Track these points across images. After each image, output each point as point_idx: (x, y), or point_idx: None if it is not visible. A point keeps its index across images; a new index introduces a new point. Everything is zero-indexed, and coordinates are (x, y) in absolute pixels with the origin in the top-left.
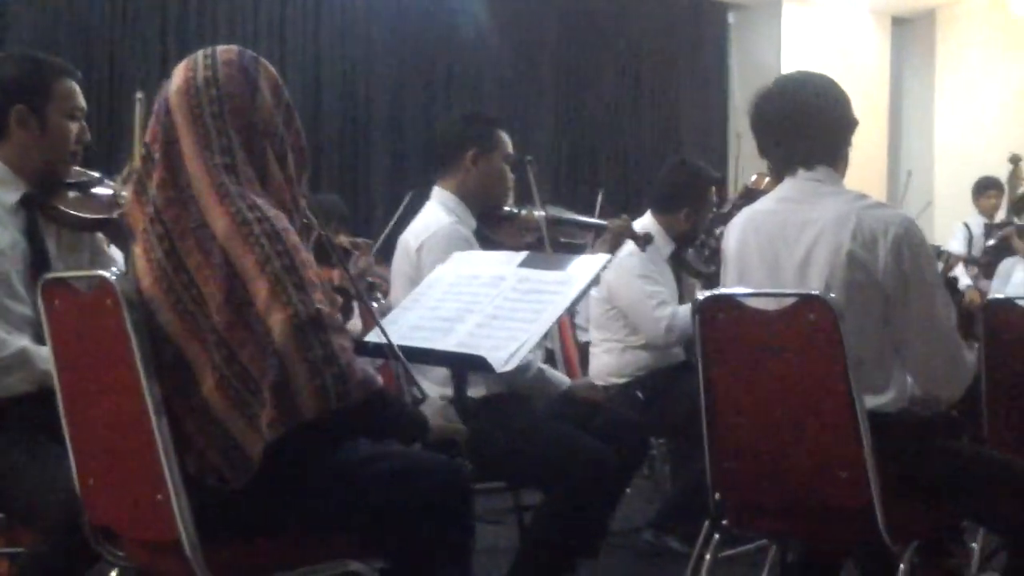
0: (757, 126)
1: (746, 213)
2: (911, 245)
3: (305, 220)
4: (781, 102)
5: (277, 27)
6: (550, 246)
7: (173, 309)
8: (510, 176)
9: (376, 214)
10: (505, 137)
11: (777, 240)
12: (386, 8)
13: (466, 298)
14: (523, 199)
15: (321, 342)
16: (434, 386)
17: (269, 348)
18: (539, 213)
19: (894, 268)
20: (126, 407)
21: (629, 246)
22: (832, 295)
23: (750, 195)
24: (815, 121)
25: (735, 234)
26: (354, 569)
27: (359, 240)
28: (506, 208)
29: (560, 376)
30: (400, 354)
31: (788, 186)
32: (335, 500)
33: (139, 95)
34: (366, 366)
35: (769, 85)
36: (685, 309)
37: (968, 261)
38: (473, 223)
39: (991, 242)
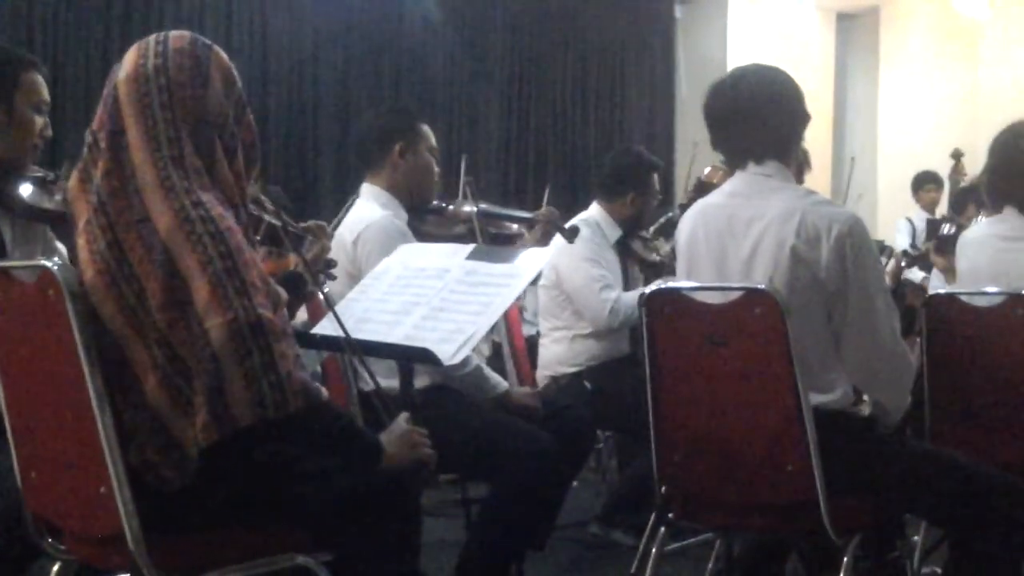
0: (710, 118)
1: (697, 207)
2: (854, 244)
3: (254, 212)
4: (734, 95)
5: (224, 18)
6: (481, 239)
7: (115, 303)
8: (436, 169)
9: (323, 205)
10: (427, 130)
11: (725, 234)
12: (334, 1)
13: (413, 290)
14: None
15: (260, 348)
16: (380, 379)
17: (206, 351)
18: (469, 208)
19: (836, 266)
20: (69, 399)
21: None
22: (775, 284)
23: (703, 188)
24: (766, 115)
25: (686, 227)
26: (301, 563)
27: (311, 223)
28: (435, 202)
29: (498, 378)
30: (351, 340)
31: (737, 180)
32: (280, 494)
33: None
34: (309, 379)
35: (723, 77)
36: (630, 295)
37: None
38: (405, 217)
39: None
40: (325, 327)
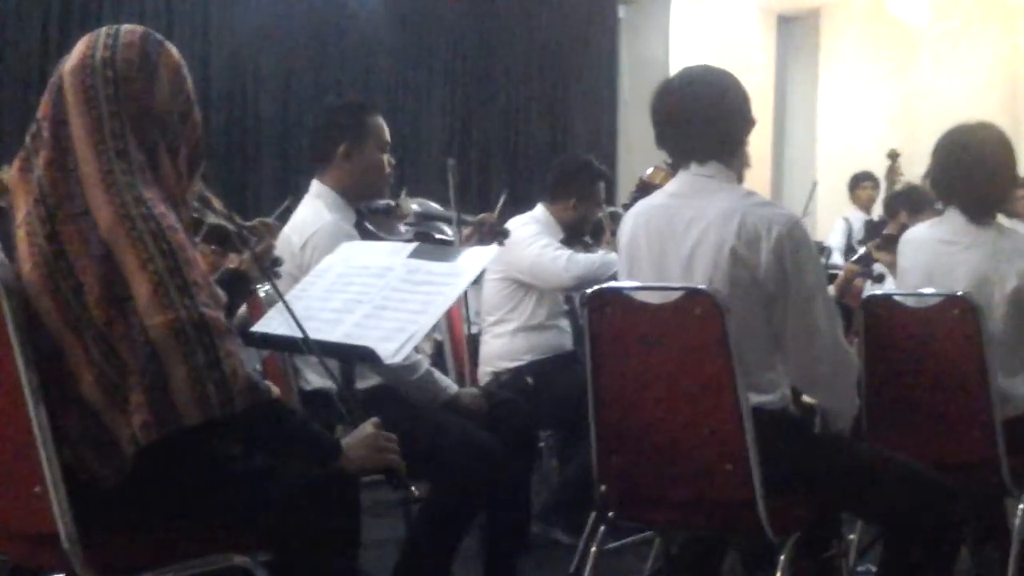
0: (656, 116)
1: (638, 207)
2: (793, 245)
3: (195, 214)
4: (681, 95)
5: (165, 13)
6: (459, 239)
7: (51, 297)
8: (388, 164)
9: (264, 201)
10: (379, 122)
11: (665, 234)
12: None
13: (355, 289)
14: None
15: (204, 347)
16: (318, 378)
17: (147, 350)
18: (413, 207)
19: (775, 267)
20: (3, 396)
21: (521, 219)
22: (717, 289)
23: (645, 188)
24: (712, 117)
25: (627, 227)
26: (238, 563)
27: (256, 221)
28: (382, 201)
29: (447, 381)
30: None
31: (680, 180)
32: (218, 493)
33: None
34: (257, 377)
35: (673, 77)
36: (584, 255)
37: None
38: (353, 217)
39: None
40: (266, 325)
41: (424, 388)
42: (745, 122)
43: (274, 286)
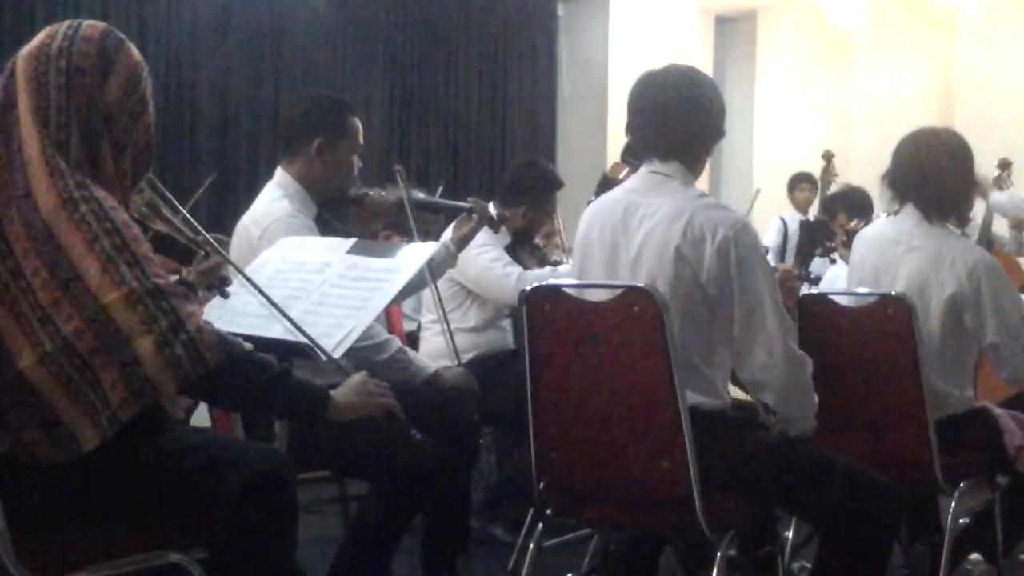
0: (632, 104)
1: (597, 202)
2: (740, 248)
3: (140, 217)
4: (662, 89)
5: (100, 12)
6: (415, 228)
7: None
8: (356, 165)
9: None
10: (357, 124)
11: (618, 230)
12: None
13: (293, 284)
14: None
15: (165, 312)
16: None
17: (109, 327)
18: (392, 197)
19: (718, 270)
20: None
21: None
22: (657, 287)
23: (607, 183)
24: (685, 118)
25: (584, 221)
26: (175, 561)
27: (207, 238)
28: (353, 191)
29: (424, 360)
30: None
31: (638, 176)
32: (153, 489)
33: None
34: (225, 333)
35: (659, 69)
36: (533, 271)
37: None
38: (315, 210)
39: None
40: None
41: (395, 368)
42: (715, 132)
43: (224, 294)
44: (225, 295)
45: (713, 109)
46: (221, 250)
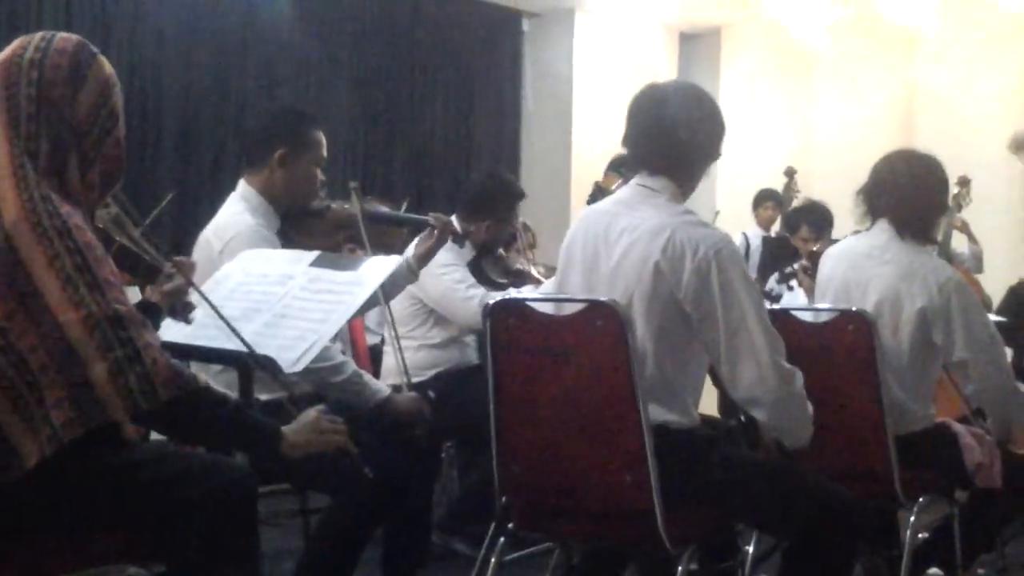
0: (631, 117)
1: (585, 211)
2: (721, 267)
3: (100, 227)
4: (661, 105)
5: (64, 19)
6: (368, 243)
7: None
8: (319, 178)
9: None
10: (320, 137)
11: (600, 241)
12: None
13: (255, 297)
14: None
15: (122, 341)
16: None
17: (61, 345)
18: (353, 208)
19: (696, 289)
20: None
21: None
22: (618, 301)
23: (599, 192)
24: (680, 137)
25: (571, 230)
26: (132, 574)
27: (177, 259)
28: (315, 204)
29: (378, 384)
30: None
31: (626, 189)
32: (112, 502)
33: None
34: (181, 366)
35: (666, 83)
36: (496, 294)
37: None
38: (277, 223)
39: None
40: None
41: (350, 390)
42: (710, 154)
43: (186, 320)
44: (188, 321)
45: (710, 129)
46: (187, 273)
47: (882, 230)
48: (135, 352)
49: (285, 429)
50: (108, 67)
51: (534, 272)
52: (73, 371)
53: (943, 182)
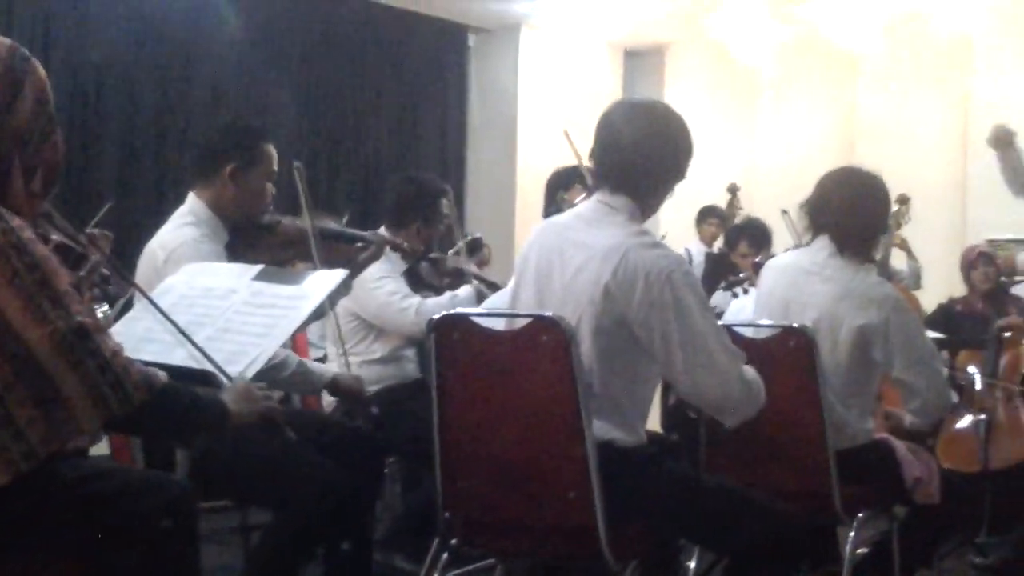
0: (598, 133)
1: (544, 223)
2: (675, 290)
3: (39, 231)
4: (629, 120)
5: (3, 25)
6: (317, 259)
7: None
8: (270, 192)
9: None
10: (271, 151)
11: (555, 255)
12: (124, 8)
13: (197, 310)
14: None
15: (91, 352)
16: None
17: (29, 364)
18: (303, 223)
19: (647, 311)
20: None
21: None
22: (565, 317)
23: (563, 203)
24: (644, 156)
25: (529, 241)
26: None
27: (95, 232)
28: (266, 217)
29: (322, 367)
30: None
31: (588, 204)
32: (50, 521)
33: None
34: (144, 368)
35: (636, 100)
36: (434, 300)
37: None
38: (225, 237)
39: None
40: None
41: (298, 382)
42: (672, 173)
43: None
44: (107, 295)
45: (674, 150)
46: (102, 247)
47: (822, 246)
48: (105, 361)
49: (224, 399)
50: (41, 70)
51: (473, 274)
52: (43, 388)
53: (884, 202)
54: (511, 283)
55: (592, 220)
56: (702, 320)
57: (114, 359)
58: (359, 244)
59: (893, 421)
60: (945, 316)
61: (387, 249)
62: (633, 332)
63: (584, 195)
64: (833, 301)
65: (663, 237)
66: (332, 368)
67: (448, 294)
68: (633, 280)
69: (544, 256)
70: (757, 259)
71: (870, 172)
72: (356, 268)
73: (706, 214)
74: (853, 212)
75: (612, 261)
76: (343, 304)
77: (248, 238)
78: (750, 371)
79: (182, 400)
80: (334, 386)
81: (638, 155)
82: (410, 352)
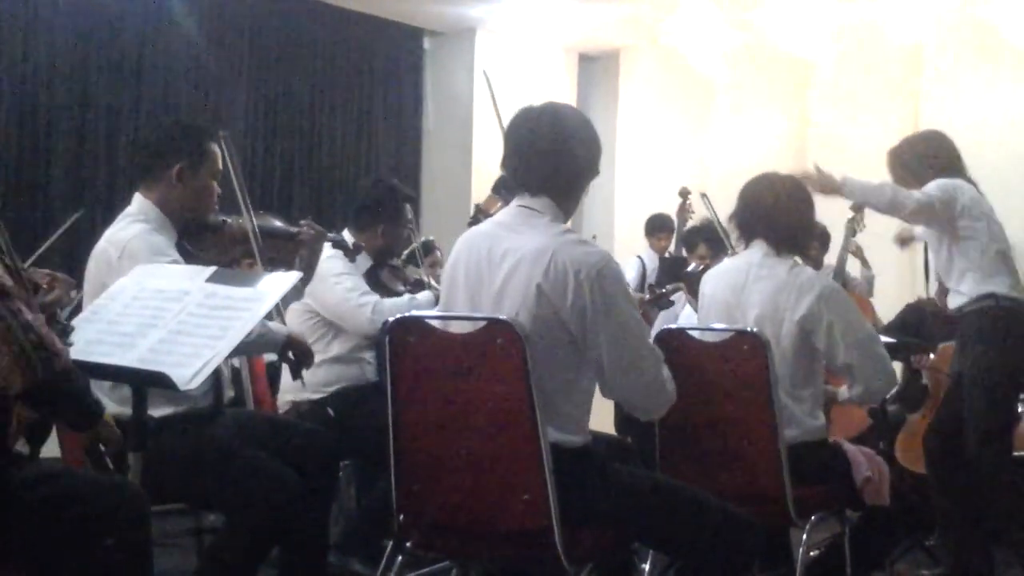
0: (508, 139)
1: (467, 234)
2: (603, 286)
3: None
4: (537, 124)
5: None
6: (260, 258)
7: None
8: (216, 191)
9: (54, 220)
10: (215, 150)
11: (483, 264)
12: (73, 8)
13: (149, 312)
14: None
15: (12, 311)
16: (112, 404)
17: None
18: (246, 222)
19: (580, 308)
20: None
21: (327, 251)
22: (520, 319)
23: (480, 215)
24: (558, 153)
25: (453, 253)
26: None
27: (59, 275)
28: (211, 218)
29: (278, 325)
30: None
31: (508, 210)
32: (5, 521)
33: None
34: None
35: (537, 105)
36: (391, 300)
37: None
38: (175, 237)
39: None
40: None
41: (261, 342)
42: (588, 170)
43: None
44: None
45: (585, 147)
46: (64, 286)
47: (757, 248)
48: (26, 322)
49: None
50: None
51: (434, 284)
52: None
53: (806, 201)
54: (442, 296)
55: (515, 225)
56: (630, 318)
57: (36, 321)
58: (299, 237)
59: (827, 395)
60: (917, 317)
61: (362, 250)
62: (569, 331)
63: (500, 203)
64: (771, 297)
65: (594, 237)
66: (284, 329)
67: (407, 296)
68: (564, 279)
69: (472, 266)
70: (709, 262)
71: (786, 175)
72: (308, 270)
73: (656, 227)
74: (778, 215)
75: (542, 262)
76: (301, 301)
77: (196, 238)
78: (666, 370)
79: (79, 384)
80: (288, 344)
81: (555, 158)
82: (369, 355)
